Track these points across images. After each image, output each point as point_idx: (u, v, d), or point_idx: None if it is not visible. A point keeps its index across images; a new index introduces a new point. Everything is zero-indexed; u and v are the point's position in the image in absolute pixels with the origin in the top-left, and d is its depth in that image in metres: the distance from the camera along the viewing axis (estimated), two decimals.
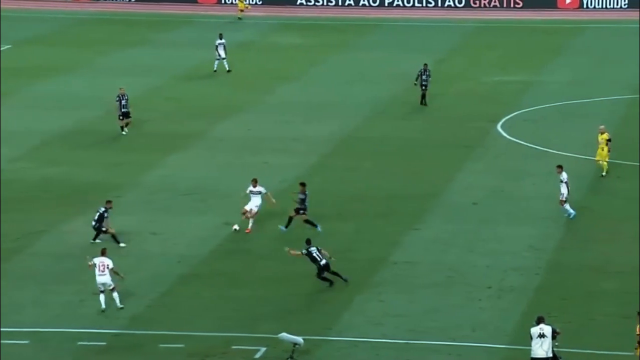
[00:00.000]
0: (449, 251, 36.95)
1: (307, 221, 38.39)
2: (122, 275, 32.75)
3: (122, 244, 36.79)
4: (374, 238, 38.18)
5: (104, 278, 32.13)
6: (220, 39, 61.75)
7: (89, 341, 30.48)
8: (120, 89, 50.25)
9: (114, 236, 36.95)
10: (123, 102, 49.71)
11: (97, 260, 32.37)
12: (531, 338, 28.01)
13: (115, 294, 32.28)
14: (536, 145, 47.93)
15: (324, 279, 34.00)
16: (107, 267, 32.23)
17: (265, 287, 34.16)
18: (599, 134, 43.86)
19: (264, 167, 45.85)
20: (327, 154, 47.78)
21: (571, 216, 39.17)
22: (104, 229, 36.89)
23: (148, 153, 47.59)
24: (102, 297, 32.07)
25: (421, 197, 41.86)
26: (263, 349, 30.03)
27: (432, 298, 33.41)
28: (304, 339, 29.77)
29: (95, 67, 63.45)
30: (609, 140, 43.49)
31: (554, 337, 27.95)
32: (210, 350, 29.91)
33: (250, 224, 38.56)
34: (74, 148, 48.37)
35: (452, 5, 79.26)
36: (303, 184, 38.84)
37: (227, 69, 61.42)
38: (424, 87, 53.57)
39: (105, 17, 78.13)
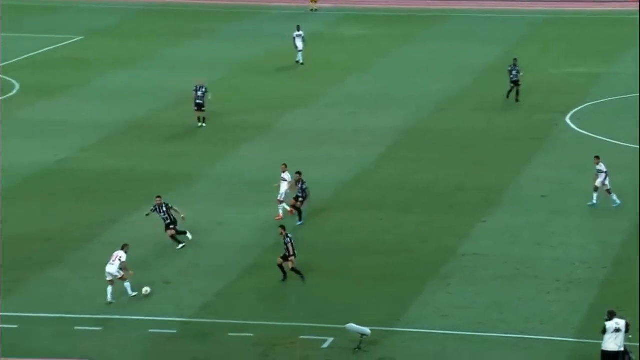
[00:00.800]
0: (517, 243, 36.81)
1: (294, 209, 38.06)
2: (131, 272, 32.59)
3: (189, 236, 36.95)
4: (441, 230, 38.16)
5: (111, 268, 32.31)
6: (298, 30, 61.93)
7: (159, 329, 30.89)
8: (199, 79, 50.76)
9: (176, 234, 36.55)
10: (199, 93, 50.13)
11: (115, 253, 32.69)
12: (604, 332, 27.76)
13: (126, 284, 32.41)
14: (605, 138, 47.51)
15: (281, 267, 33.47)
16: (120, 259, 32.36)
17: (333, 278, 34.31)
18: None
19: (330, 159, 46.02)
20: (393, 145, 47.80)
21: (616, 204, 39.06)
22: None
23: (216, 144, 47.98)
24: (110, 289, 32.20)
25: (489, 189, 41.72)
26: (330, 339, 30.19)
27: (499, 290, 33.33)
28: (371, 330, 29.91)
29: (165, 58, 64.06)
30: None
31: (627, 331, 27.75)
32: (278, 339, 30.13)
33: (281, 212, 38.66)
34: (142, 139, 48.93)
35: None
36: (299, 172, 38.65)
37: (301, 61, 61.55)
38: (513, 84, 52.99)
39: (174, 9, 78.78)
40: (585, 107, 52.74)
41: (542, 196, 41.05)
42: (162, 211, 36.73)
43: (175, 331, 30.85)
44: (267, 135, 49.52)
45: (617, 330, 27.59)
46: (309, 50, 62.95)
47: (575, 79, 57.60)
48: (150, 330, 30.83)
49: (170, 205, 36.93)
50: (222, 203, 40.51)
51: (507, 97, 53.06)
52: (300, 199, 38.52)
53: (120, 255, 32.66)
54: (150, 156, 46.44)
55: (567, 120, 50.79)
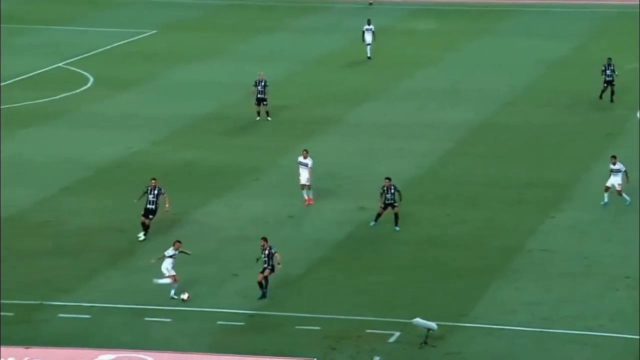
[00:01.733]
0: (586, 240, 36.60)
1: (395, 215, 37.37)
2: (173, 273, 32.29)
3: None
4: (509, 225, 38.07)
5: (163, 265, 32.37)
6: (369, 24, 62.06)
7: (227, 321, 31.28)
8: (259, 74, 51.04)
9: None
10: (259, 87, 50.47)
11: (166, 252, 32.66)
12: None
13: (171, 283, 32.31)
14: None
15: (260, 284, 32.45)
16: (169, 257, 32.40)
17: (400, 273, 34.43)
18: None
19: (399, 153, 46.10)
20: (462, 140, 47.74)
21: (627, 203, 38.84)
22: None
23: (285, 138, 48.30)
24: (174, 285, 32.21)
25: (558, 184, 41.50)
26: (397, 334, 30.33)
27: (568, 287, 33.20)
28: (438, 325, 29.98)
29: (235, 52, 64.56)
30: None
31: None
32: (345, 333, 30.33)
33: (306, 196, 38.73)
34: (214, 132, 49.43)
35: None
36: (388, 179, 37.84)
37: (369, 55, 61.70)
38: (606, 84, 51.53)
39: (244, 3, 79.29)
40: None
41: (610, 192, 40.73)
42: (153, 194, 36.60)
43: (243, 323, 31.20)
44: (338, 128, 49.73)
45: None
46: (379, 45, 63.01)
47: None
48: (218, 322, 31.22)
49: (163, 192, 36.75)
50: (293, 196, 40.80)
51: (601, 97, 51.53)
52: (394, 205, 37.35)
53: (170, 252, 32.58)
54: (221, 149, 46.91)
55: (639, 115, 50.29)
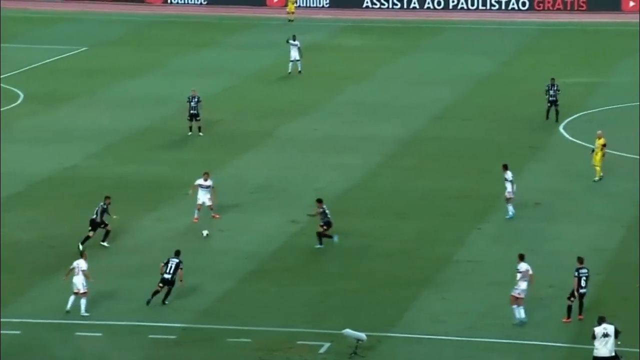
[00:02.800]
0: (512, 250, 37.36)
1: (323, 234, 37.74)
2: (91, 279, 32.79)
3: (106, 244, 37.21)
4: (438, 237, 38.84)
5: (76, 279, 32.50)
6: (294, 40, 62.68)
7: (159, 335, 31.52)
8: (192, 90, 51.44)
9: (107, 233, 37.28)
10: (192, 103, 50.85)
11: (76, 263, 32.74)
12: (594, 337, 28.38)
13: (83, 301, 32.41)
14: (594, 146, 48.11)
15: (156, 292, 32.88)
16: (81, 270, 32.50)
17: (331, 284, 34.96)
18: (597, 139, 44.02)
19: (331, 166, 46.72)
20: (392, 154, 48.49)
21: (509, 216, 39.65)
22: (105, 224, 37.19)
23: (218, 152, 48.67)
24: (72, 299, 32.31)
25: (485, 197, 42.38)
26: (327, 344, 30.83)
27: (494, 296, 33.92)
28: (367, 335, 30.55)
29: (168, 68, 64.75)
30: (604, 145, 43.59)
31: (616, 336, 28.33)
32: (277, 344, 30.76)
33: (197, 215, 39.36)
34: (147, 147, 49.63)
35: (516, 8, 79.40)
36: (319, 200, 38.33)
37: (299, 69, 62.31)
38: (550, 104, 51.07)
39: (176, 20, 79.48)
40: (579, 116, 53.42)
41: (536, 204, 41.73)
42: (97, 213, 37.29)
43: (175, 337, 31.48)
44: (270, 142, 50.22)
45: (606, 335, 28.21)
46: (310, 60, 63.62)
47: (570, 89, 58.17)
48: (150, 336, 31.45)
49: (106, 207, 37.33)
50: (225, 209, 41.16)
51: (547, 117, 51.38)
52: (325, 227, 37.88)
53: (82, 266, 32.59)
54: (156, 163, 47.14)
55: (561, 129, 51.46)
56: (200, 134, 50.80)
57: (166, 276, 32.92)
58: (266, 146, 49.67)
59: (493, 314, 32.71)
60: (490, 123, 52.91)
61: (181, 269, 33.07)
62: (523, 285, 32.08)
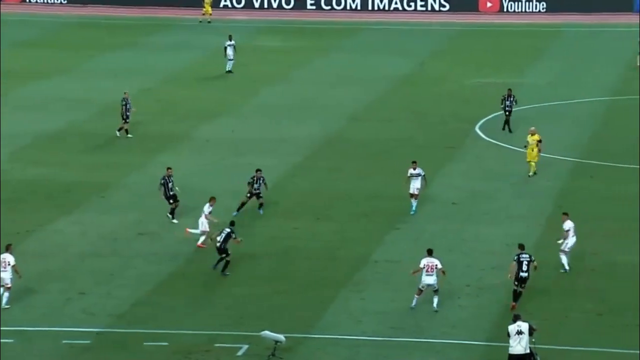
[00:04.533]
0: (437, 247, 37.31)
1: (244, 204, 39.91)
2: (20, 274, 32.66)
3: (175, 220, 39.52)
4: (357, 237, 38.81)
5: (4, 274, 32.34)
6: (230, 40, 62.20)
7: (74, 340, 30.99)
8: (125, 92, 50.99)
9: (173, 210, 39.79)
10: (128, 106, 50.42)
11: (2, 257, 32.54)
12: (509, 335, 28.63)
13: (6, 294, 32.34)
14: (514, 147, 48.64)
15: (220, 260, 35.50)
16: (9, 264, 32.41)
17: (250, 286, 34.73)
18: (530, 135, 44.59)
19: (249, 167, 46.42)
20: (310, 155, 48.42)
21: (412, 211, 40.28)
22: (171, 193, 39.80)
23: (136, 154, 48.14)
24: (6, 294, 32.32)
25: (403, 197, 42.39)
26: (245, 347, 30.61)
27: (412, 296, 33.98)
28: (286, 337, 30.39)
29: (84, 69, 63.93)
30: (539, 141, 44.17)
31: (530, 334, 28.58)
32: (194, 347, 30.46)
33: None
34: (62, 149, 48.89)
35: (436, 8, 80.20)
36: (259, 170, 40.57)
37: (229, 69, 61.89)
38: (507, 113, 50.37)
39: (91, 21, 78.53)
40: (494, 116, 53.91)
41: (454, 203, 41.95)
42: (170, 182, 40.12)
43: (89, 341, 30.98)
44: (187, 145, 49.81)
45: (519, 332, 28.46)
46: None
47: (486, 90, 58.83)
48: (64, 341, 30.92)
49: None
50: (142, 213, 40.70)
51: (504, 128, 50.55)
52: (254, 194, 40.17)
53: (9, 260, 32.44)
54: (69, 166, 46.44)
55: (477, 129, 51.89)
56: (129, 135, 50.22)
57: (217, 245, 35.31)
58: (183, 148, 49.24)
59: (412, 314, 32.77)
60: (407, 123, 53.12)
61: (234, 238, 35.36)
62: (571, 241, 34.62)
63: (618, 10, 78.03)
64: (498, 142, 49.61)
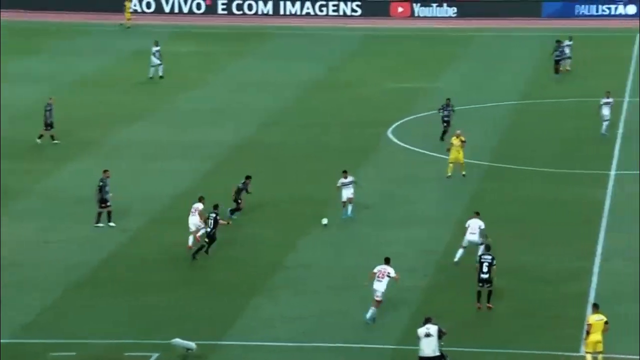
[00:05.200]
0: (343, 254, 37.58)
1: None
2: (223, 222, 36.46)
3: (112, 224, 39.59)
4: (270, 242, 38.67)
5: (193, 219, 36.55)
6: (156, 46, 61.71)
7: None
8: (50, 98, 50.26)
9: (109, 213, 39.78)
10: (51, 112, 49.78)
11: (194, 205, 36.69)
12: (418, 338, 28.77)
13: (199, 234, 36.31)
14: (426, 151, 48.97)
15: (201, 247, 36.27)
16: (197, 210, 36.67)
17: (161, 293, 34.38)
18: (454, 137, 45.05)
19: (160, 173, 46.11)
20: (224, 160, 48.19)
21: (345, 216, 40.35)
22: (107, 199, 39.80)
23: (45, 160, 47.44)
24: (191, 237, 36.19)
25: (316, 202, 42.44)
26: (156, 355, 30.27)
27: (325, 301, 34.00)
28: (197, 344, 30.12)
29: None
30: (463, 141, 44.69)
31: (440, 337, 28.71)
32: (102, 357, 30.04)
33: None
34: None
35: (347, 14, 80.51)
36: (248, 177, 41.16)
37: (160, 74, 61.60)
38: (445, 124, 49.35)
39: (4, 25, 77.19)
40: (406, 120, 54.26)
41: (366, 208, 42.05)
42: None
43: None
44: (98, 150, 49.23)
45: (428, 335, 28.62)
46: (142, 67, 62.79)
47: (397, 94, 59.23)
48: None
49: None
50: (50, 220, 40.08)
51: (442, 139, 48.93)
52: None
53: (199, 206, 36.80)
54: None
55: (389, 134, 52.15)
56: (56, 141, 49.36)
57: (207, 229, 36.61)
58: (95, 154, 48.65)
59: (324, 319, 32.75)
60: (320, 128, 53.16)
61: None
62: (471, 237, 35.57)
63: (527, 16, 79.19)
64: (410, 147, 49.89)
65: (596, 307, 29.20)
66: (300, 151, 49.47)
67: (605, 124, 50.56)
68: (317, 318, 32.78)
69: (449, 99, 50.90)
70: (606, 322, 28.76)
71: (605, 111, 50.41)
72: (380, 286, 32.53)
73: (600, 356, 28.69)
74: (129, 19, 76.75)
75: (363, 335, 31.70)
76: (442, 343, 28.85)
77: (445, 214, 41.27)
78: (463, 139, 44.92)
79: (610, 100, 50.78)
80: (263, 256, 37.47)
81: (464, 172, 45.04)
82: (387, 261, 33.04)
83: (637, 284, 34.56)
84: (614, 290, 34.27)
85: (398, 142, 50.84)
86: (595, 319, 28.85)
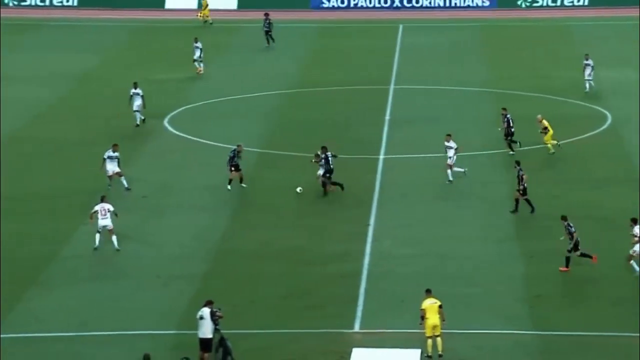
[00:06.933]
0: (121, 243, 37.16)
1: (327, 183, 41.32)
2: (117, 215, 36.52)
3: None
4: (42, 235, 38.06)
5: (105, 221, 36.08)
6: (196, 42, 60.43)
7: None
8: None
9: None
10: None
11: (99, 207, 36.18)
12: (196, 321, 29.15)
13: (114, 237, 36.10)
14: (198, 138, 49.20)
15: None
16: (108, 211, 36.17)
17: None
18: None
19: None
20: None
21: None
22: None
23: None
24: (97, 236, 36.12)
25: (87, 193, 41.85)
26: None
27: (100, 290, 33.81)
28: None
29: None
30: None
31: (214, 321, 29.04)
32: None
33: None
34: None
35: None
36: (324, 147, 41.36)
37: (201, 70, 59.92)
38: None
39: None
40: (180, 110, 54.33)
41: (144, 197, 41.92)
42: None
43: None
44: None
45: (201, 318, 29.08)
46: None
47: (171, 85, 59.16)
48: None
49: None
50: None
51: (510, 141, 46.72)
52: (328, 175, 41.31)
53: (108, 207, 36.41)
54: None
55: (165, 123, 52.08)
56: None
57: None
58: None
59: (100, 308, 32.56)
60: (88, 120, 52.30)
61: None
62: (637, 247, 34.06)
63: (294, 7, 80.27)
64: (184, 135, 49.98)
65: (429, 292, 29.87)
66: (65, 145, 48.52)
67: (587, 83, 55.49)
68: (93, 307, 32.57)
69: (504, 109, 47.06)
70: (440, 306, 29.44)
71: (587, 71, 55.57)
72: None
73: (439, 339, 29.43)
74: (207, 15, 74.00)
75: (141, 323, 31.68)
76: (218, 327, 29.15)
77: (219, 202, 41.38)
78: (545, 124, 45.92)
79: (589, 62, 55.60)
80: (37, 249, 36.90)
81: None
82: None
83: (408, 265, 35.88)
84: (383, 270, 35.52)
85: (173, 131, 50.75)
86: (429, 303, 29.58)
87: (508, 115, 46.70)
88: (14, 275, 34.72)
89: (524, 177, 39.59)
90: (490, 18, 77.63)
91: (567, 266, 34.63)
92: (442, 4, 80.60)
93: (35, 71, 61.96)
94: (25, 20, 75.84)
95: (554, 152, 46.20)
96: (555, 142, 46.39)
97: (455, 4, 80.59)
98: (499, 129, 47.19)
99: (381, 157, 46.93)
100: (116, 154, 41.89)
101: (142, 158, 46.80)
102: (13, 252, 36.61)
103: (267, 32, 68.13)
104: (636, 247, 34.21)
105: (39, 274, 34.86)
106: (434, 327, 29.46)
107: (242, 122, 52.22)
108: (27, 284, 34.05)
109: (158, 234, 38.42)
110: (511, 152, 45.99)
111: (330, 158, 41.47)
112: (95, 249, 36.28)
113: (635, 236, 34.23)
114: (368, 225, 38.95)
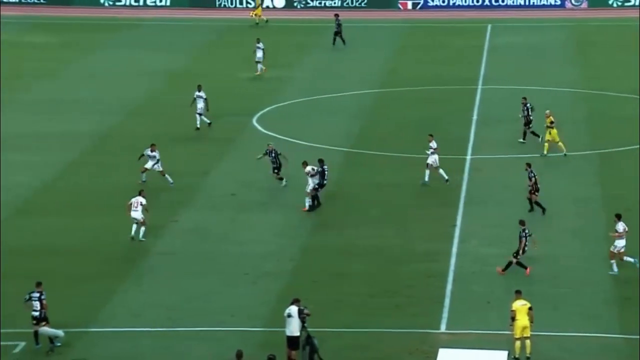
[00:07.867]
0: (207, 240, 37.86)
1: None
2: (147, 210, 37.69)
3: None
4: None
5: (135, 214, 37.36)
6: (258, 43, 60.58)
7: None
8: None
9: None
10: None
11: (134, 200, 37.72)
12: (284, 319, 29.44)
13: (142, 228, 37.28)
14: (288, 138, 49.59)
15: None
16: (141, 204, 37.37)
17: (26, 282, 34.07)
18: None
19: (21, 165, 45.59)
20: (85, 151, 47.90)
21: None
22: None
23: None
24: (134, 227, 37.53)
25: (181, 189, 42.59)
26: (22, 344, 30.14)
27: (190, 287, 34.29)
28: (64, 332, 30.09)
29: None
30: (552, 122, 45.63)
31: (302, 319, 29.33)
32: None
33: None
34: None
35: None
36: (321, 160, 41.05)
37: (262, 69, 60.37)
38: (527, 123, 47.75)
39: None
40: (270, 109, 54.78)
41: (232, 194, 42.45)
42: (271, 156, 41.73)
43: None
44: None
45: (289, 316, 29.33)
46: None
47: (260, 84, 59.61)
48: None
49: (278, 152, 42.16)
50: None
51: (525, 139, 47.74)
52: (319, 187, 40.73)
53: (141, 200, 37.43)
54: None
55: (254, 122, 52.59)
56: None
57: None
58: None
59: (190, 304, 33.05)
60: (181, 118, 52.97)
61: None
62: (621, 242, 34.05)
63: (382, 7, 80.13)
64: (273, 134, 50.42)
65: (519, 293, 29.80)
66: (158, 140, 49.02)
67: None
68: (182, 304, 33.05)
69: (524, 98, 48.48)
70: (530, 308, 29.39)
71: None
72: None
73: (527, 341, 29.39)
74: (260, 14, 75.23)
75: (230, 320, 32.11)
76: (305, 325, 29.42)
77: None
78: (552, 119, 45.78)
79: None
80: (127, 243, 37.48)
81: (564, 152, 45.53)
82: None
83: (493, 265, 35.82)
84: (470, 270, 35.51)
85: (262, 130, 51.15)
86: (519, 304, 29.53)
87: (528, 104, 47.38)
88: (106, 269, 35.44)
89: (536, 178, 39.27)
90: (581, 18, 76.89)
91: (504, 270, 34.43)
92: (532, 3, 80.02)
93: (127, 68, 62.94)
94: (120, 20, 77.06)
95: (545, 155, 45.47)
96: (561, 144, 45.90)
97: (546, 3, 79.95)
98: (520, 116, 47.91)
99: (468, 157, 46.86)
100: (154, 153, 42.35)
101: (231, 156, 47.35)
102: (108, 245, 37.35)
103: (336, 33, 67.71)
104: (617, 243, 34.28)
105: (131, 269, 35.53)
106: (524, 328, 29.37)
107: (330, 121, 52.48)
108: (120, 278, 34.73)
109: (246, 231, 38.88)
110: (521, 141, 47.16)
111: (326, 172, 40.89)
112: (132, 238, 37.34)
113: (617, 232, 34.36)
114: (454, 225, 38.97)
